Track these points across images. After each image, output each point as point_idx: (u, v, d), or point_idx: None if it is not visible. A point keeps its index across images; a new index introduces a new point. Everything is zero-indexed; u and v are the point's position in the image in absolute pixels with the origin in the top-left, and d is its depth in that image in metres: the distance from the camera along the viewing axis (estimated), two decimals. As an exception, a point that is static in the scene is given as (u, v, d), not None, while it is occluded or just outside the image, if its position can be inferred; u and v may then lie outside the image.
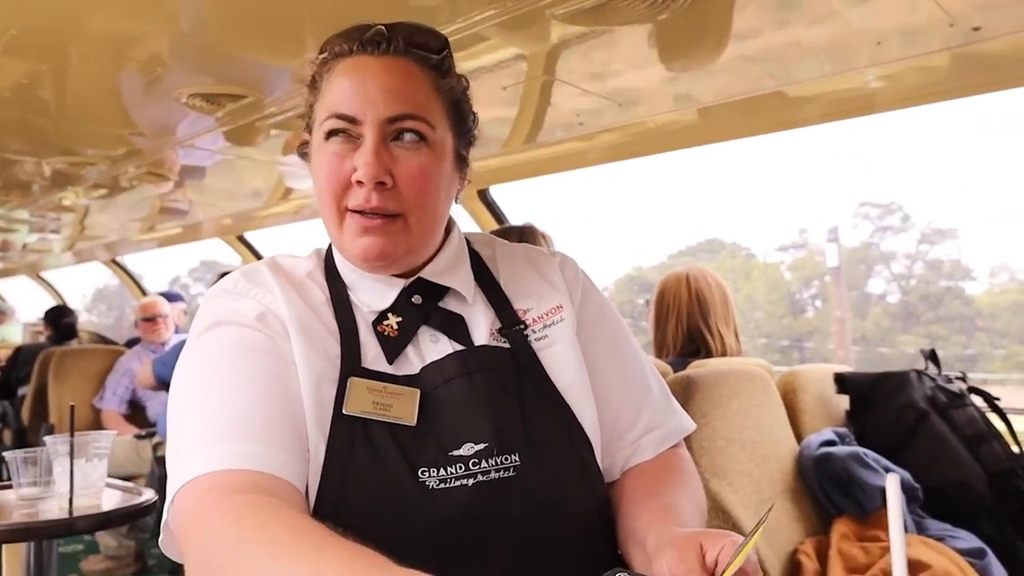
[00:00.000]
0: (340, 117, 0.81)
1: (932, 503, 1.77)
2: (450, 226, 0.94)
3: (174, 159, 2.65)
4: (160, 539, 0.78)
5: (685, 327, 2.04)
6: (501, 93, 1.90)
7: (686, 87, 1.84)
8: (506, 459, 0.79)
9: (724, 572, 0.63)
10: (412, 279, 0.88)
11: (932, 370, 2.04)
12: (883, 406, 1.92)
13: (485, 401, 0.82)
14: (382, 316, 0.86)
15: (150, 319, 3.85)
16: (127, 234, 4.53)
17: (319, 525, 0.65)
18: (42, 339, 5.22)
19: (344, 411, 0.78)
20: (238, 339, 0.80)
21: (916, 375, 1.96)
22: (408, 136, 0.82)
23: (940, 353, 2.09)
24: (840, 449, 1.72)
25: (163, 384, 3.21)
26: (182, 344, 3.14)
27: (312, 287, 0.88)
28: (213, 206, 3.60)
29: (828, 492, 1.70)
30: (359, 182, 0.80)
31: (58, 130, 2.31)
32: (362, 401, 0.78)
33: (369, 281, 0.88)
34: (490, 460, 0.78)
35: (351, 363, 0.81)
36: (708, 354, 2.02)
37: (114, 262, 5.53)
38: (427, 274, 0.89)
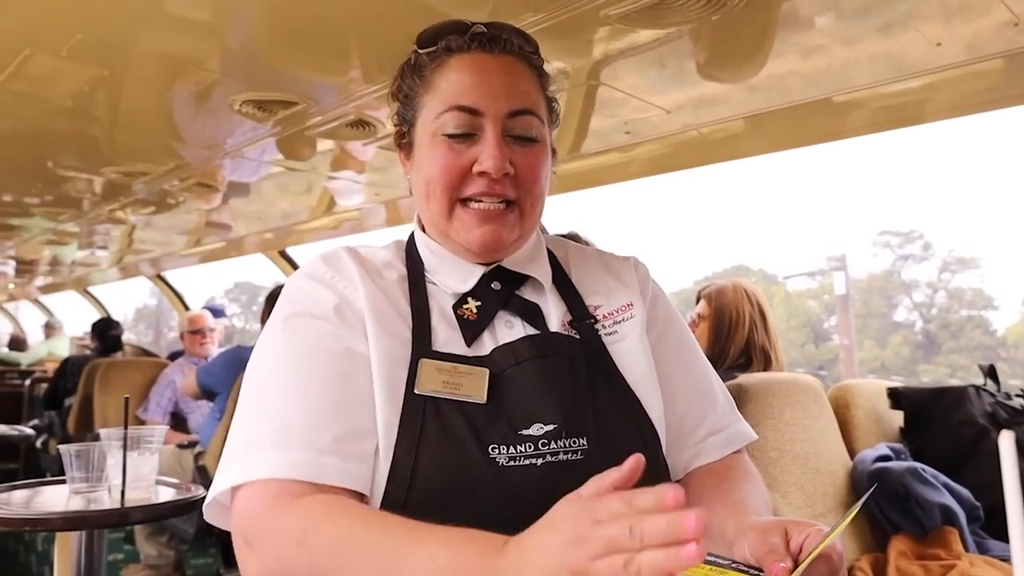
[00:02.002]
0: (462, 109, 0.85)
1: (994, 523, 1.70)
2: None
3: (221, 172, 2.70)
4: (206, 505, 0.81)
5: (745, 340, 2.00)
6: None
7: (736, 93, 1.82)
8: (574, 442, 0.81)
9: (807, 556, 0.61)
10: (492, 266, 0.91)
11: (991, 386, 1.97)
12: (940, 422, 1.86)
13: (556, 384, 0.83)
14: (462, 300, 0.89)
15: (197, 331, 3.92)
16: (172, 249, 4.62)
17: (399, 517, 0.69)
18: (88, 351, 5.33)
19: (415, 391, 0.80)
20: (314, 335, 0.83)
21: (975, 390, 1.90)
22: (522, 132, 0.86)
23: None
24: (896, 464, 1.67)
25: (206, 393, 3.25)
26: (225, 354, 3.18)
27: (388, 273, 0.91)
28: (257, 220, 3.65)
29: (884, 508, 1.65)
30: (482, 173, 0.84)
31: (110, 142, 2.37)
32: (432, 380, 0.81)
33: (451, 265, 0.91)
34: (559, 442, 0.80)
35: (421, 345, 0.84)
36: (763, 367, 1.98)
37: (159, 277, 5.64)
38: (507, 263, 0.92)
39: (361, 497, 0.77)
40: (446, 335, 0.86)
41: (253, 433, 0.78)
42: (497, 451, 0.78)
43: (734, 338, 2.02)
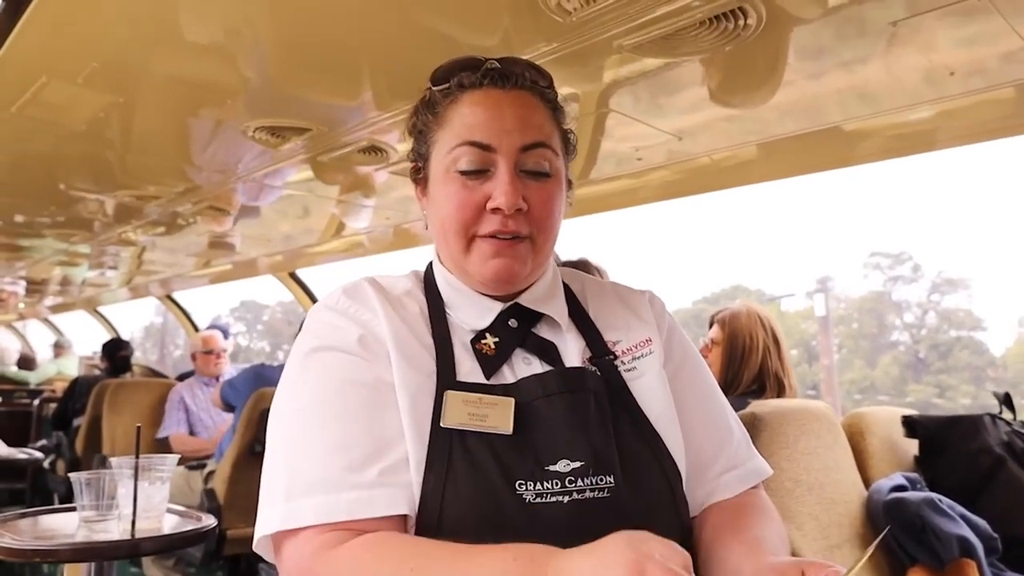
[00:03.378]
0: (474, 144, 0.85)
1: (1011, 554, 1.67)
2: None
3: (233, 195, 2.72)
4: (256, 544, 0.81)
5: (758, 366, 1.97)
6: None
7: (748, 121, 1.82)
8: (601, 479, 0.80)
9: None
10: (510, 303, 0.92)
11: (1007, 414, 1.95)
12: (956, 451, 1.83)
13: (583, 420, 0.83)
14: (480, 335, 0.89)
15: (209, 352, 3.92)
16: (182, 270, 4.64)
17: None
18: (97, 372, 5.34)
19: (441, 424, 0.80)
20: (343, 368, 0.83)
21: (990, 419, 1.88)
22: (535, 166, 0.86)
23: (949, 405, 2.01)
24: (913, 495, 1.64)
25: (228, 407, 3.25)
26: (250, 371, 3.17)
27: (409, 303, 0.92)
28: (267, 242, 3.67)
29: (900, 540, 1.62)
30: (495, 209, 0.84)
31: (123, 166, 2.39)
32: (458, 413, 0.81)
33: (468, 300, 0.92)
34: (586, 479, 0.79)
35: (446, 377, 0.84)
36: (777, 394, 1.96)
37: (168, 298, 5.66)
38: (524, 300, 0.92)
39: (406, 519, 0.78)
40: (469, 367, 0.86)
41: (295, 473, 0.78)
42: (524, 487, 0.78)
43: (747, 364, 2.00)
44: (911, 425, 1.93)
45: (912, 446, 1.94)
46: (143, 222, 3.20)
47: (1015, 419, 1.94)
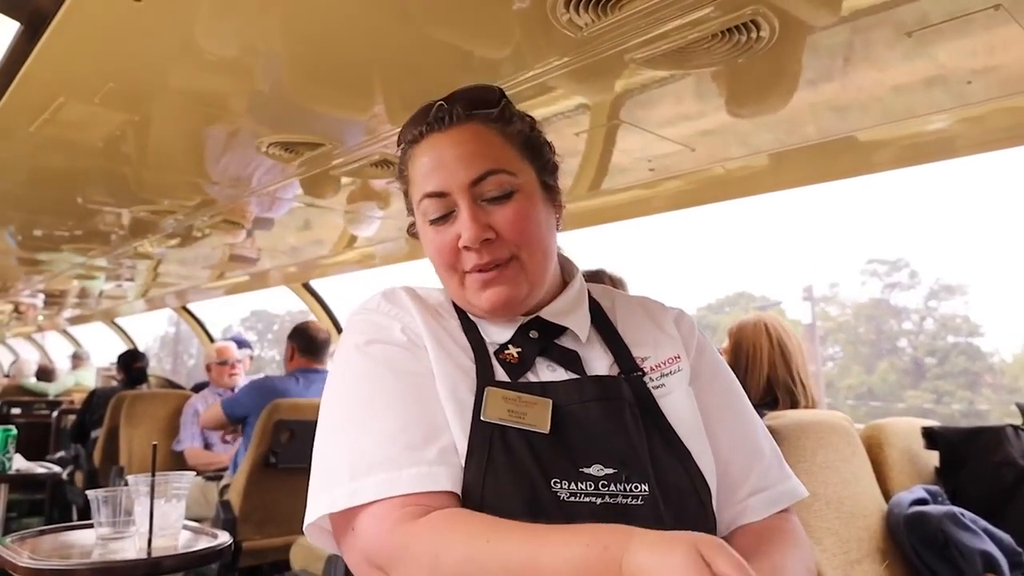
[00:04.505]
0: (430, 196, 0.89)
1: (1037, 570, 1.64)
2: (573, 272, 1.01)
3: (247, 209, 2.74)
4: (307, 528, 0.84)
5: (766, 377, 1.95)
6: (567, 141, 1.91)
7: (761, 131, 1.81)
8: (636, 487, 0.81)
9: None
10: (531, 317, 0.93)
11: (1029, 425, 1.92)
12: (978, 463, 1.81)
13: (619, 428, 0.84)
14: (503, 347, 0.91)
15: (224, 363, 3.94)
16: (197, 282, 4.67)
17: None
18: (114, 383, 5.38)
19: (482, 418, 0.82)
20: (394, 358, 0.87)
21: (1012, 430, 1.85)
22: (494, 192, 0.88)
23: (944, 411, 1.98)
24: (934, 508, 1.62)
25: (236, 421, 3.26)
26: (253, 384, 3.19)
27: (444, 312, 0.95)
28: (281, 254, 3.69)
29: (922, 555, 1.60)
30: (466, 247, 0.87)
31: (140, 180, 2.41)
32: (498, 408, 0.83)
33: (487, 320, 0.94)
34: (619, 485, 0.81)
35: (485, 375, 0.87)
36: (791, 405, 1.94)
37: (184, 309, 5.71)
38: (546, 314, 0.94)
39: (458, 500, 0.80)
40: (501, 372, 0.89)
41: (357, 454, 0.80)
42: (559, 485, 0.79)
43: (752, 375, 1.98)
44: (931, 437, 1.90)
45: (932, 458, 1.92)
46: (159, 235, 3.23)
47: (1038, 430, 1.90)
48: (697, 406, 0.92)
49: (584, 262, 2.17)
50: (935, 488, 1.74)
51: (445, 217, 0.89)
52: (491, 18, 1.31)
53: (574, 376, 0.89)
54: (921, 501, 1.67)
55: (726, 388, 0.99)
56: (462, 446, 0.81)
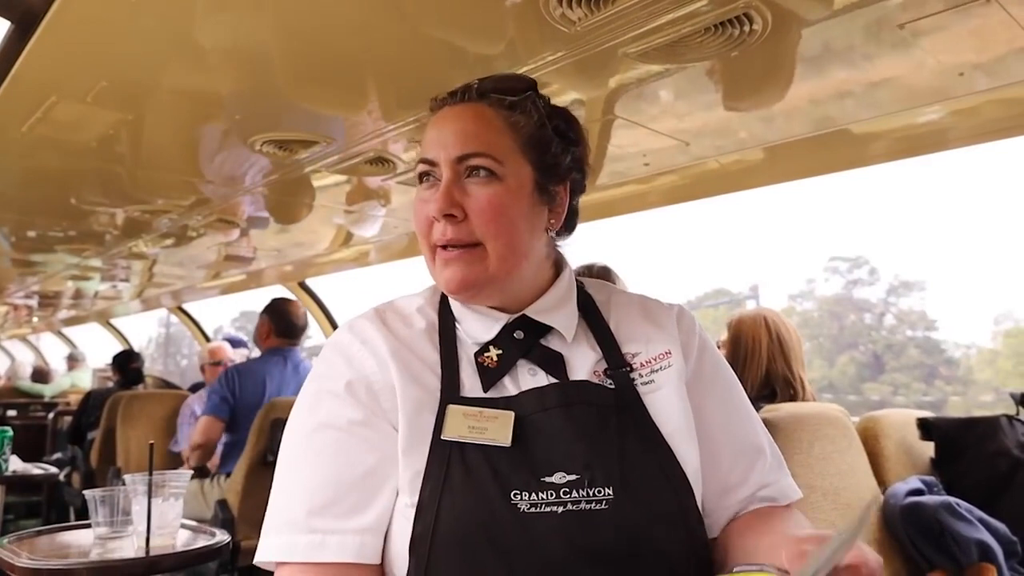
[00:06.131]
0: (423, 161, 0.91)
1: (1032, 558, 1.65)
2: (561, 267, 1.00)
3: (241, 207, 2.73)
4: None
5: (764, 370, 1.96)
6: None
7: (755, 125, 1.82)
8: (598, 491, 0.81)
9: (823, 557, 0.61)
10: (517, 315, 0.93)
11: (1024, 415, 1.93)
12: (973, 453, 1.82)
13: (581, 434, 0.84)
14: (484, 348, 0.91)
15: (217, 363, 3.94)
16: (193, 282, 4.66)
17: None
18: (110, 384, 5.37)
19: (442, 437, 0.82)
20: (321, 411, 0.87)
21: (1007, 420, 1.86)
22: (478, 172, 0.88)
23: (901, 400, 2.00)
24: (930, 499, 1.63)
25: (230, 416, 3.20)
26: (221, 377, 3.14)
27: (418, 321, 0.94)
28: (276, 253, 3.68)
29: (918, 544, 1.61)
30: (433, 217, 0.88)
31: (133, 180, 2.40)
32: (458, 426, 0.83)
33: (475, 314, 0.94)
34: (581, 491, 0.80)
35: (450, 392, 0.86)
36: (789, 398, 1.94)
37: (180, 309, 5.70)
38: (531, 312, 0.93)
39: (372, 567, 0.81)
40: (472, 382, 0.88)
41: (272, 510, 0.84)
42: (519, 497, 0.79)
43: (750, 367, 1.99)
44: (927, 427, 1.91)
45: (928, 448, 1.93)
46: (154, 235, 3.22)
47: (1032, 420, 1.91)
48: (689, 404, 0.91)
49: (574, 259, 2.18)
50: (931, 479, 1.75)
51: (429, 179, 0.90)
52: (485, 14, 1.31)
53: (553, 380, 0.89)
54: (917, 492, 1.68)
55: (727, 389, 0.98)
56: (420, 468, 0.81)
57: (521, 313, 0.93)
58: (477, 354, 0.90)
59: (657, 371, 0.92)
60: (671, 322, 0.98)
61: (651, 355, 0.93)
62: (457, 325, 0.94)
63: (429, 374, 0.88)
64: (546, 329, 0.93)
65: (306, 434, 0.86)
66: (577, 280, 1.01)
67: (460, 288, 0.89)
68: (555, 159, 0.93)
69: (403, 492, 0.82)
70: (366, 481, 0.82)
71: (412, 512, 0.80)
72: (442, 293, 0.97)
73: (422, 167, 0.91)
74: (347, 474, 0.82)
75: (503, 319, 0.92)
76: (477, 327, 0.93)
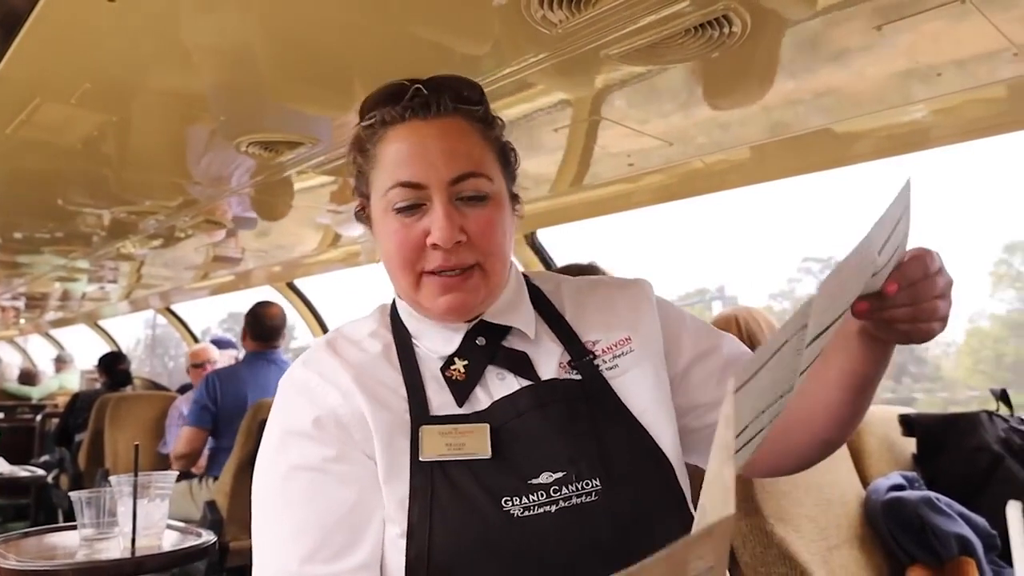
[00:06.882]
0: (405, 185, 0.84)
1: (1011, 551, 1.67)
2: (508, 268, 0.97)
3: (229, 208, 2.73)
4: None
5: None
6: (548, 137, 1.92)
7: (738, 125, 1.83)
8: (586, 484, 0.81)
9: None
10: (475, 322, 0.91)
11: (1004, 411, 1.96)
12: (954, 449, 1.84)
13: (559, 431, 0.84)
14: (449, 361, 0.89)
15: (199, 365, 3.93)
16: (181, 283, 4.65)
17: None
18: (98, 385, 5.35)
19: (420, 459, 0.81)
20: (291, 454, 0.84)
21: (987, 416, 1.89)
22: (472, 193, 0.85)
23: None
24: (911, 494, 1.65)
25: (213, 423, 3.22)
26: (201, 383, 3.14)
27: (373, 346, 0.92)
28: (264, 254, 3.68)
29: (899, 539, 1.63)
30: (435, 245, 0.83)
31: (120, 181, 2.40)
32: (436, 444, 0.81)
33: (434, 329, 0.91)
34: (570, 487, 0.80)
35: (419, 413, 0.84)
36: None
37: (168, 310, 5.68)
38: (488, 316, 0.91)
39: None
40: (440, 399, 0.87)
41: (260, 563, 0.82)
42: (511, 503, 0.79)
43: None
44: (908, 424, 1.93)
45: (909, 444, 1.95)
46: (141, 236, 3.21)
47: (1012, 415, 1.94)
48: (662, 379, 0.91)
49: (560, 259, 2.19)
50: (912, 474, 1.77)
51: (414, 209, 0.85)
52: (470, 15, 1.31)
53: (524, 382, 0.87)
54: (898, 487, 1.70)
55: (695, 333, 0.98)
56: (404, 492, 0.80)
57: (479, 319, 0.91)
58: (443, 368, 0.88)
59: (620, 356, 0.91)
60: (625, 303, 0.97)
61: (611, 342, 0.92)
62: (415, 342, 0.91)
63: (395, 397, 0.86)
64: (505, 331, 0.91)
65: (280, 479, 0.83)
66: (523, 274, 1.00)
67: (462, 313, 0.87)
68: (515, 164, 0.94)
69: (391, 522, 0.80)
70: (351, 518, 0.80)
71: (403, 543, 0.79)
72: (392, 312, 0.95)
73: (401, 192, 0.84)
74: (330, 515, 0.80)
75: (462, 328, 0.90)
76: (438, 341, 0.90)
